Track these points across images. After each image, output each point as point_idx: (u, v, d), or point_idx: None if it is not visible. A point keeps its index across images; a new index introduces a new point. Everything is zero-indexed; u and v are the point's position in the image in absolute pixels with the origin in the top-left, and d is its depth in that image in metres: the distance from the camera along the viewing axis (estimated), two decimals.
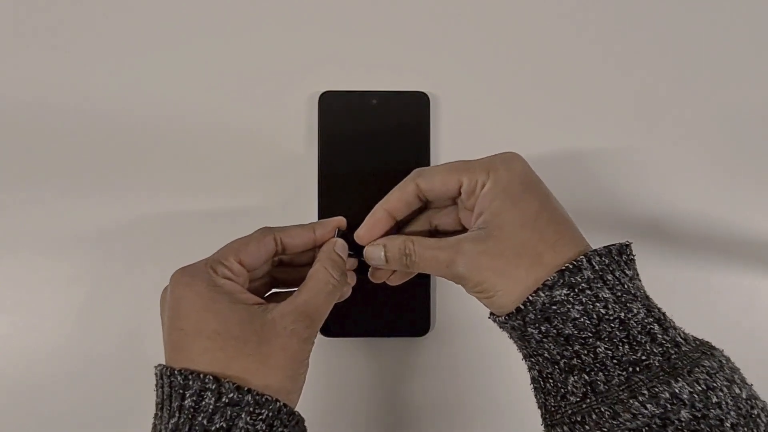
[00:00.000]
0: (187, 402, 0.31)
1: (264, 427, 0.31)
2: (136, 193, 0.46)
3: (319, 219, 0.44)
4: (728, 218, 0.46)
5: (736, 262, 0.46)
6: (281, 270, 0.39)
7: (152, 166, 0.46)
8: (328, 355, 0.46)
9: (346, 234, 0.38)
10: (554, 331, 0.31)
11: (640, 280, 0.33)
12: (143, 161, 0.46)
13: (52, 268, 0.46)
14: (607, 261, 0.31)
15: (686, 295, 0.46)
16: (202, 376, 0.31)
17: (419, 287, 0.45)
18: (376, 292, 0.45)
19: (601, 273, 0.31)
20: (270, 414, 0.31)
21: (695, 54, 0.47)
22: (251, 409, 0.31)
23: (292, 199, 0.46)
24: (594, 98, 0.47)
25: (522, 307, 0.31)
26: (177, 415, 0.31)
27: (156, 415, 0.33)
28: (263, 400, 0.31)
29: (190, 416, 0.30)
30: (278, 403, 0.31)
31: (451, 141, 0.46)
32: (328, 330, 0.45)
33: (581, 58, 0.47)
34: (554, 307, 0.30)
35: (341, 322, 0.45)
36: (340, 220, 0.38)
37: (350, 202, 0.45)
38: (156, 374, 0.33)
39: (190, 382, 0.31)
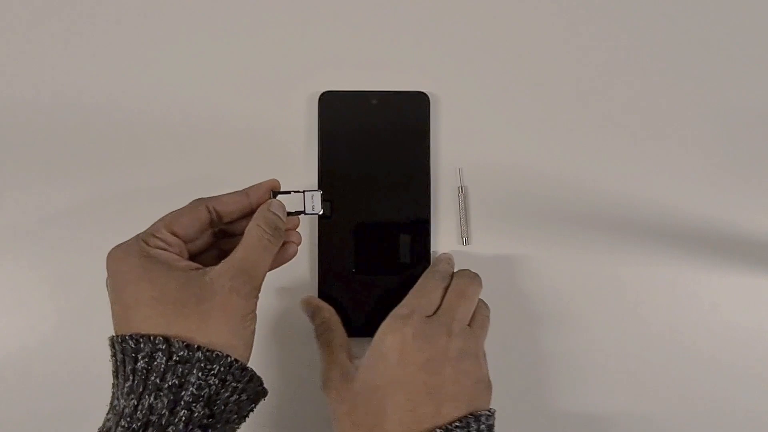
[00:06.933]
0: (140, 364, 0.31)
1: (216, 382, 0.32)
2: (136, 193, 0.46)
3: (319, 220, 0.45)
4: (729, 218, 0.46)
5: (736, 262, 0.46)
6: (227, 241, 0.40)
7: (153, 167, 0.46)
8: None
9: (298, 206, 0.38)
10: None
11: None
12: (144, 161, 0.46)
13: (51, 268, 0.46)
14: None
15: (686, 295, 0.46)
16: (152, 337, 0.31)
17: None
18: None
19: None
20: (221, 369, 0.32)
21: (696, 54, 0.47)
22: (202, 365, 0.31)
23: None
24: (594, 98, 0.47)
25: None
26: (131, 377, 0.31)
27: (113, 384, 0.33)
28: (213, 355, 0.31)
29: (143, 377, 0.31)
30: (229, 358, 0.32)
31: (451, 141, 0.46)
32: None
33: (581, 58, 0.47)
34: None
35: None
36: (273, 182, 0.39)
37: (350, 201, 0.45)
38: (109, 345, 0.33)
39: (141, 345, 0.31)
